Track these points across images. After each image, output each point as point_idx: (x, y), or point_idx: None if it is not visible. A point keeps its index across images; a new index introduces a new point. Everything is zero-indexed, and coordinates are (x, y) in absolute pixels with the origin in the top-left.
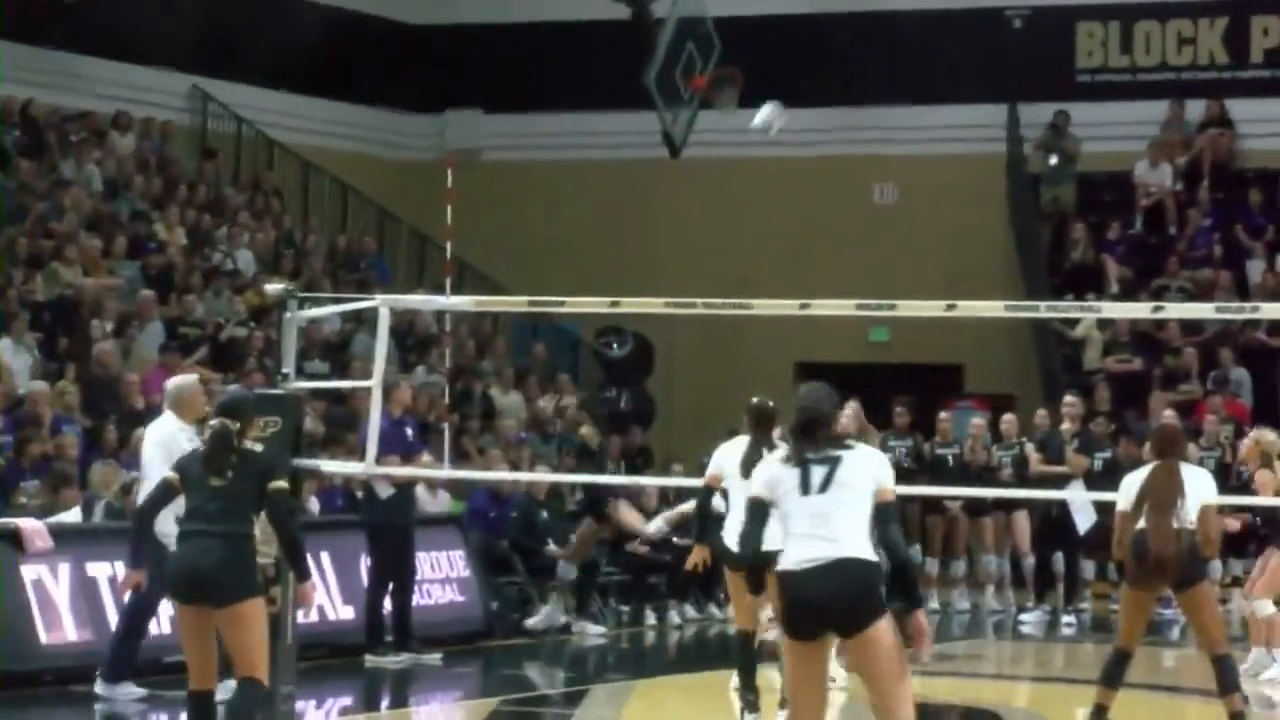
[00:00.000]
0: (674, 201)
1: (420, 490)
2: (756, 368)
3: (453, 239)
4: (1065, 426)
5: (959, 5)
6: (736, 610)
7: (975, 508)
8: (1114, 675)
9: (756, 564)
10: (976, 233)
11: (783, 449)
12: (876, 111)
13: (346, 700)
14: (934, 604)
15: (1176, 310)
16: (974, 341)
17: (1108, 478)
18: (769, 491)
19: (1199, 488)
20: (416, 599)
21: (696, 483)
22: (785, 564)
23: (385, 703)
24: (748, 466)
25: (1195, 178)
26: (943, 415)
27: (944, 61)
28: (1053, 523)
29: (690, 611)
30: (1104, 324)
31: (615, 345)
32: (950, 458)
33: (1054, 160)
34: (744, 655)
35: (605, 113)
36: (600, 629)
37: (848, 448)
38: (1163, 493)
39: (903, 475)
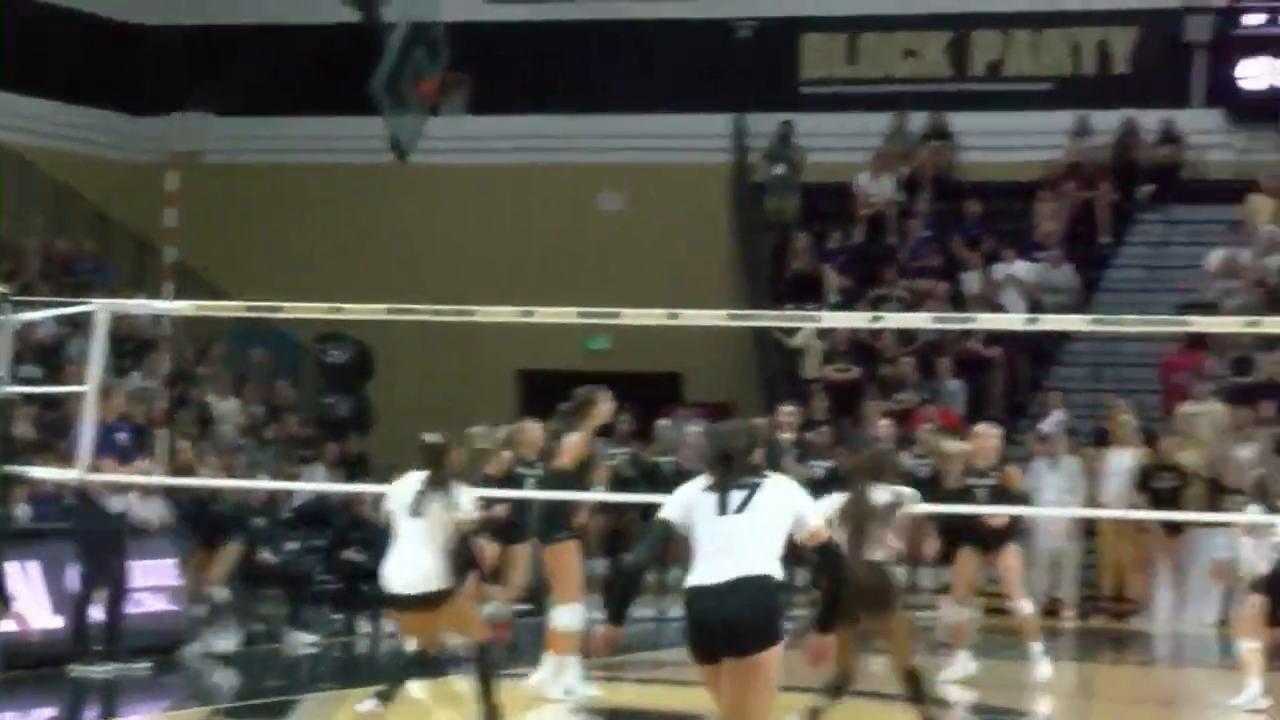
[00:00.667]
0: (401, 207)
1: (133, 497)
2: (479, 375)
3: (176, 243)
4: (784, 435)
5: (685, 15)
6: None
7: None
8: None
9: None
10: (700, 241)
11: (703, 479)
12: (602, 119)
13: (50, 711)
14: (650, 612)
15: (894, 320)
16: (696, 350)
17: (828, 486)
18: (684, 514)
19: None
20: (128, 607)
21: None
22: (690, 580)
23: (90, 714)
24: (417, 504)
25: (915, 189)
26: (661, 423)
27: (670, 70)
28: None
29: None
30: (823, 333)
31: (335, 351)
32: (669, 466)
33: (778, 170)
34: (410, 673)
35: (332, 117)
36: (312, 638)
37: (765, 477)
38: (854, 522)
39: (623, 484)
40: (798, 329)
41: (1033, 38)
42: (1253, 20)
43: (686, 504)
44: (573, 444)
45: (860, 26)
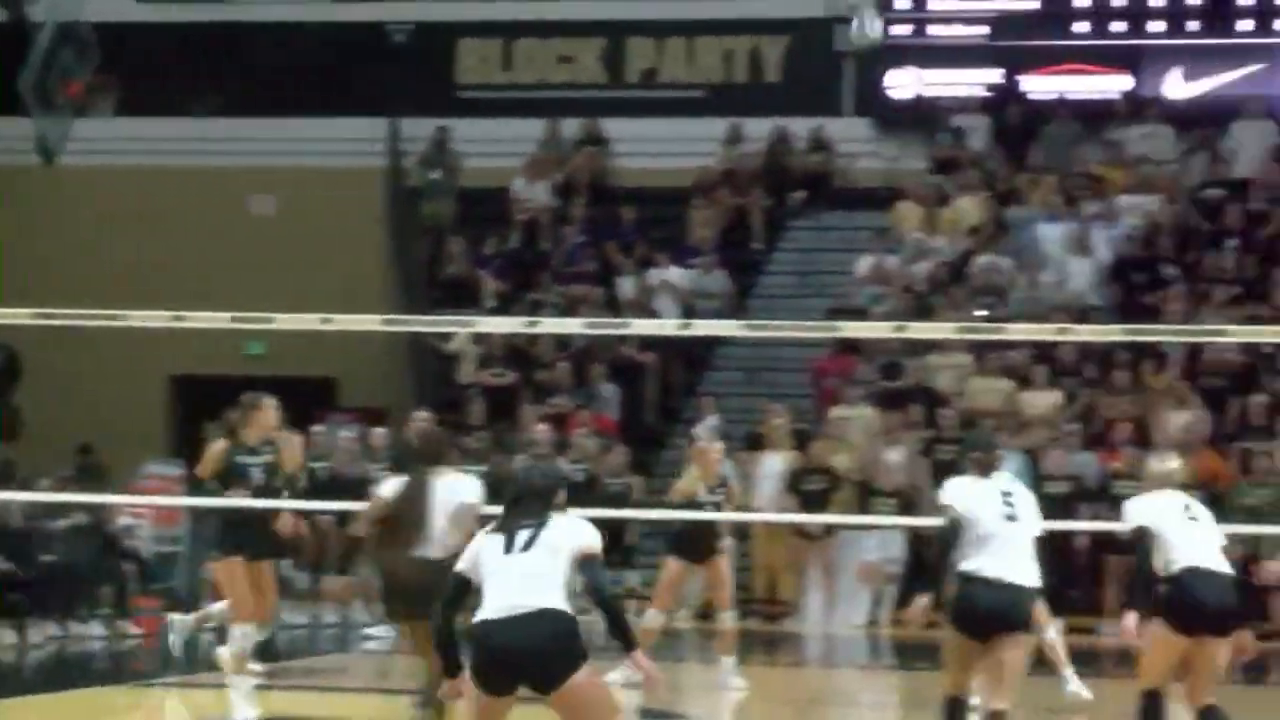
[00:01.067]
0: (48, 210)
1: None
2: (129, 381)
3: None
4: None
5: (339, 18)
6: None
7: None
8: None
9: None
10: (355, 246)
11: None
12: (254, 122)
13: None
14: (304, 618)
15: (550, 325)
16: (351, 354)
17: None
18: (472, 565)
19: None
20: None
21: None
22: (481, 615)
23: None
24: None
25: (570, 194)
26: (315, 429)
27: (324, 73)
28: None
29: (54, 629)
30: (479, 338)
31: None
32: (323, 471)
33: (434, 175)
34: None
35: None
36: None
37: (553, 516)
38: (401, 514)
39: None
40: (453, 334)
41: (686, 45)
42: (900, 31)
43: (473, 554)
44: (213, 453)
45: (516, 32)
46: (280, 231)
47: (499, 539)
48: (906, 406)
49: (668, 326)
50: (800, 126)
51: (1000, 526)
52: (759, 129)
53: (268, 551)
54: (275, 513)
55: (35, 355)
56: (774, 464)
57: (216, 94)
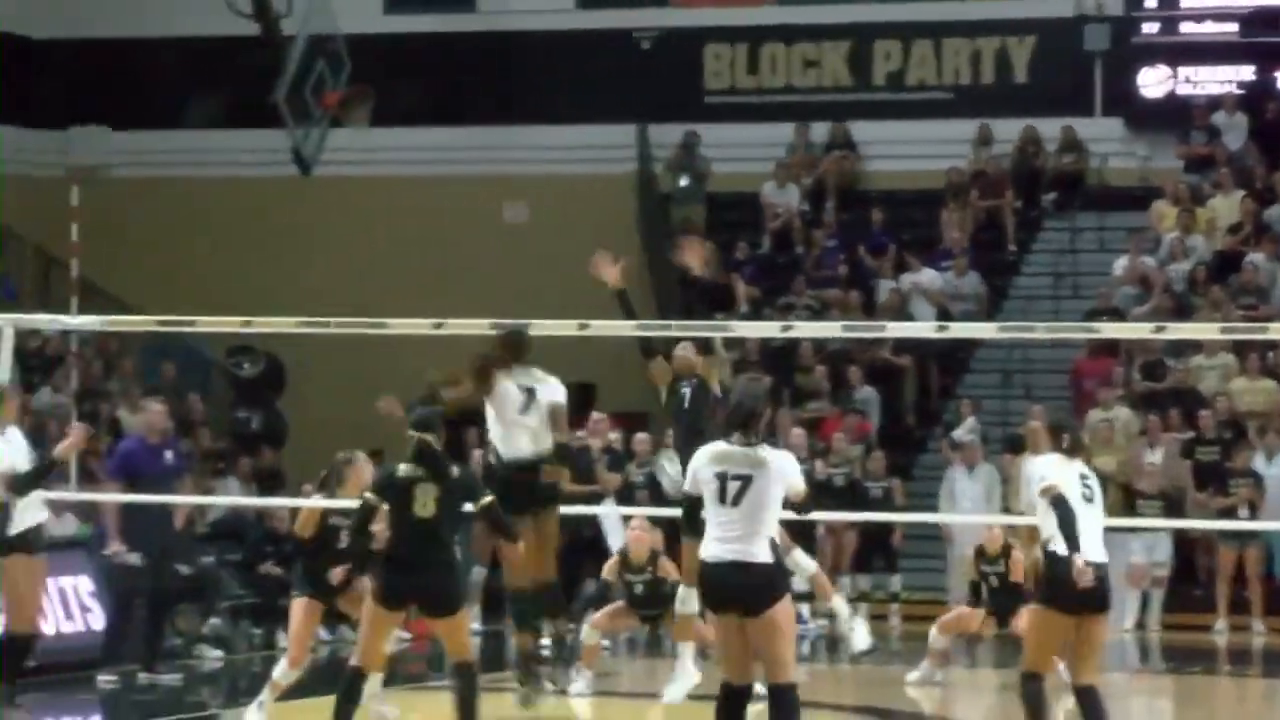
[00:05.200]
0: (306, 220)
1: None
2: (392, 387)
3: (79, 257)
4: (595, 443)
5: (587, 26)
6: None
7: None
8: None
9: None
10: (608, 252)
11: None
12: (506, 130)
13: None
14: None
15: (805, 329)
16: (607, 360)
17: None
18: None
19: None
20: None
21: (340, 503)
22: (702, 555)
23: None
24: None
25: (820, 198)
26: (577, 434)
27: (573, 81)
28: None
29: (322, 633)
30: (732, 344)
31: (246, 365)
32: None
33: (684, 181)
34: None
35: (236, 130)
36: (218, 652)
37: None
38: None
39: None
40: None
41: (933, 47)
42: (1149, 29)
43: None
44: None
45: (762, 36)
46: (534, 238)
47: (715, 486)
48: (1166, 407)
49: (924, 329)
50: (1050, 127)
51: (1082, 508)
52: (1008, 130)
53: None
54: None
55: (299, 363)
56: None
57: (468, 104)
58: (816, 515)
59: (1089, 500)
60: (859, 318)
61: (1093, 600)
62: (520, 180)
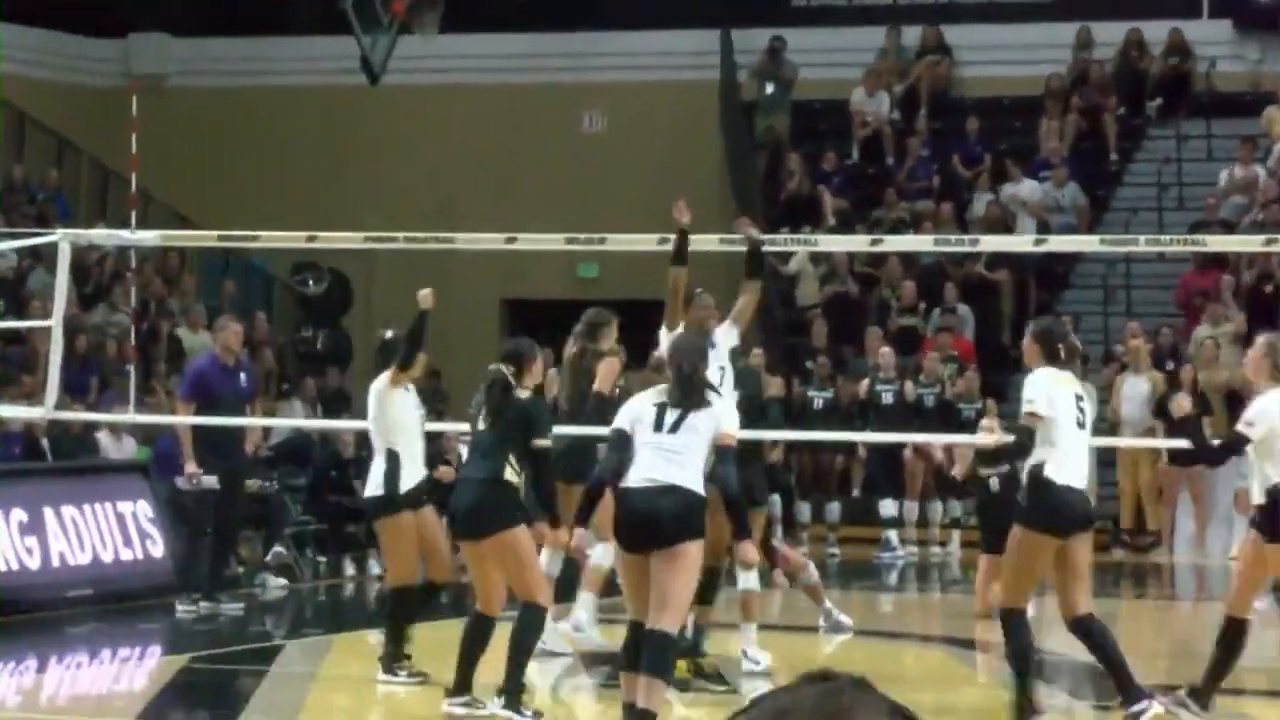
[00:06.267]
0: (373, 131)
1: (103, 436)
2: (461, 305)
3: (138, 170)
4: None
5: None
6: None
7: None
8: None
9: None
10: (688, 163)
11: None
12: (584, 36)
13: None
14: None
15: (896, 243)
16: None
17: (826, 418)
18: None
19: None
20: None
21: None
22: (625, 483)
23: (63, 660)
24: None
25: (912, 106)
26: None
27: None
28: None
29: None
30: (819, 258)
31: (311, 282)
32: None
33: (769, 88)
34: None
35: (300, 37)
36: (281, 581)
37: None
38: None
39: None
40: (792, 253)
41: None
42: None
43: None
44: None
45: None
46: (612, 149)
47: (652, 414)
48: (1276, 322)
49: (1021, 243)
50: (1156, 30)
51: (1072, 431)
52: (1111, 33)
53: None
54: None
55: (366, 280)
56: (1137, 385)
57: (543, 9)
58: (905, 436)
59: (1080, 426)
60: (952, 232)
61: (1080, 520)
62: (597, 88)
